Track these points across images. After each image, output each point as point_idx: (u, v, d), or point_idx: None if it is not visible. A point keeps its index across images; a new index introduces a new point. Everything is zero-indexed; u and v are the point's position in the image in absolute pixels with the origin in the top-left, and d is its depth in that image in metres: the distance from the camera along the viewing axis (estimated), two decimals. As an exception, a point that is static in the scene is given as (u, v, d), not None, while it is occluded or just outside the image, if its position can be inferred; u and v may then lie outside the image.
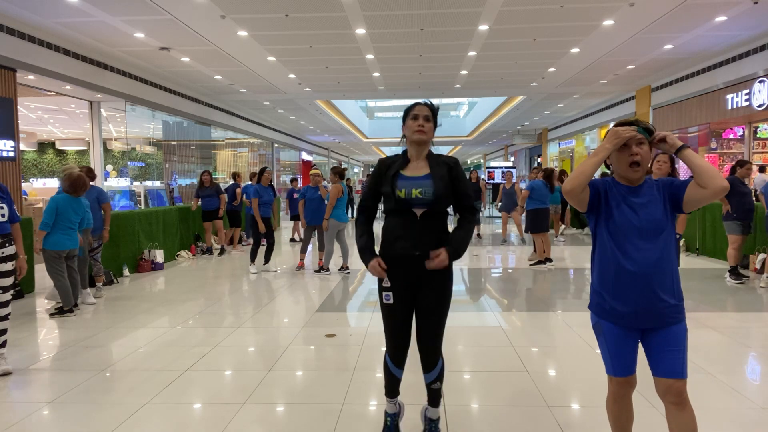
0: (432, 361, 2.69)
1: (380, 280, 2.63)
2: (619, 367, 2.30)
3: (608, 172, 2.48)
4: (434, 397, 2.81)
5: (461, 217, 2.70)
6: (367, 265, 2.62)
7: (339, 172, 8.22)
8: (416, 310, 2.67)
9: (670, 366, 2.18)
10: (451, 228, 2.62)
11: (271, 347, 4.64)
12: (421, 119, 2.58)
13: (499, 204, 12.02)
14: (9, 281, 4.05)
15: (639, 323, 2.23)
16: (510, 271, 8.57)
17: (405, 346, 2.70)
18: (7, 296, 4.07)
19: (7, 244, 4.02)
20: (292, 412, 3.35)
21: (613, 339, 2.29)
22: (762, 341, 4.65)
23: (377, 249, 2.68)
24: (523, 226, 9.65)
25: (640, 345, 2.32)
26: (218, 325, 5.34)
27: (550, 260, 8.56)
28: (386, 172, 2.63)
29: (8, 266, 4.01)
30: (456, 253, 2.54)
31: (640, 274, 2.18)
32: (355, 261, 9.46)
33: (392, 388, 2.81)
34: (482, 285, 7.43)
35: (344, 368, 4.05)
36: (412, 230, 2.53)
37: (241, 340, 4.88)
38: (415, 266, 2.56)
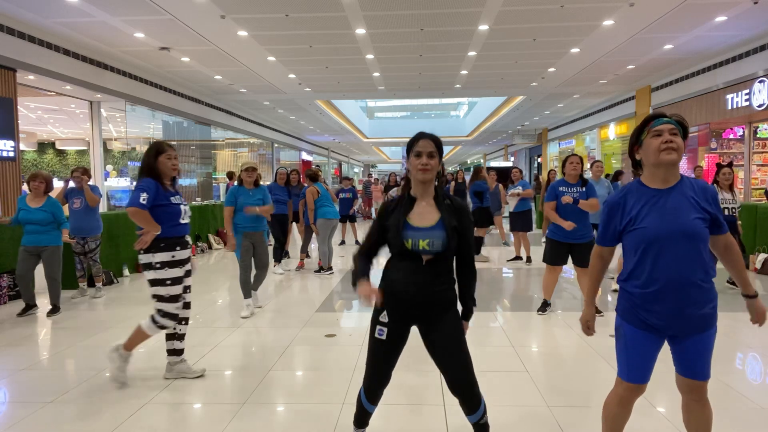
0: (475, 404, 2.49)
1: (376, 313, 2.50)
2: (635, 374, 2.24)
3: (634, 170, 2.42)
4: (484, 430, 2.59)
5: (465, 267, 2.51)
6: (355, 286, 2.41)
7: (310, 176, 8.22)
8: (435, 352, 2.49)
9: (696, 369, 2.21)
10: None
11: (271, 347, 4.64)
12: (425, 157, 2.40)
13: None
14: (190, 281, 3.95)
15: (669, 330, 2.18)
16: (509, 271, 8.57)
17: (383, 385, 2.56)
18: (189, 297, 3.96)
19: (188, 245, 3.87)
20: (292, 412, 3.35)
21: (633, 345, 2.22)
22: (762, 341, 4.65)
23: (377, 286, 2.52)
24: (507, 228, 9.62)
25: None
26: (218, 325, 5.34)
27: (521, 258, 9.22)
28: (389, 217, 2.46)
29: (189, 266, 3.89)
30: (471, 311, 2.54)
31: (670, 283, 2.10)
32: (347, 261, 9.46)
33: (362, 419, 2.68)
34: (482, 285, 7.43)
35: (344, 368, 4.05)
36: (416, 274, 2.40)
37: (241, 340, 4.88)
38: (415, 307, 2.44)
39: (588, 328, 2.44)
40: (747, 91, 11.08)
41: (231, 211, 5.66)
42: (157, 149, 3.71)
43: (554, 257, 5.43)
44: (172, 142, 15.40)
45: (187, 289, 3.89)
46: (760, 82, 10.68)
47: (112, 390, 3.70)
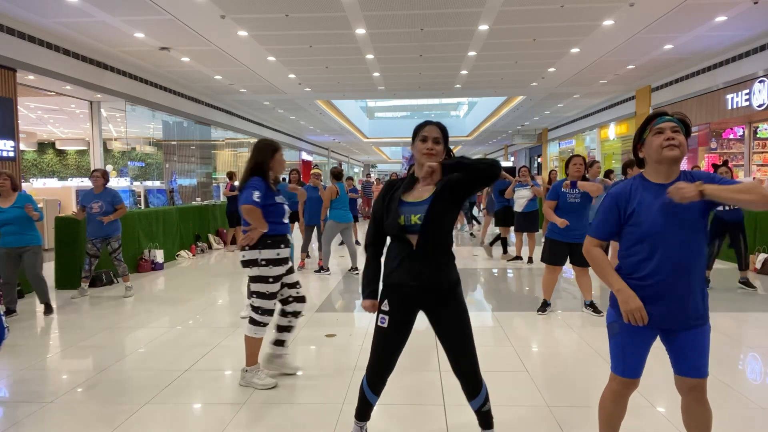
0: (476, 388, 2.53)
1: (379, 302, 2.53)
2: (629, 369, 2.27)
3: (622, 176, 2.46)
4: (486, 419, 2.61)
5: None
6: (363, 297, 2.58)
7: (335, 174, 8.31)
8: (441, 337, 2.53)
9: (695, 366, 2.23)
10: (456, 256, 2.53)
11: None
12: (431, 141, 2.44)
13: (482, 206, 12.02)
14: (297, 276, 3.96)
15: (663, 324, 2.21)
16: (510, 271, 8.57)
17: (386, 373, 2.57)
18: (303, 291, 3.98)
19: (289, 244, 3.87)
20: (293, 412, 3.35)
21: (629, 340, 2.25)
22: (762, 341, 4.66)
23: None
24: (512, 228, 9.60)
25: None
26: (218, 325, 5.33)
27: (521, 258, 9.28)
28: (391, 194, 2.50)
29: (290, 264, 3.88)
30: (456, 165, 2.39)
31: (667, 276, 2.14)
32: (347, 261, 9.46)
33: (364, 412, 2.66)
34: (482, 285, 7.43)
35: (344, 368, 4.05)
36: (409, 259, 2.41)
37: (241, 340, 4.83)
38: (413, 295, 2.46)
39: (640, 314, 2.15)
40: (747, 91, 11.08)
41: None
42: (273, 147, 3.73)
43: (554, 257, 5.47)
44: (173, 142, 15.42)
45: (297, 283, 3.90)
46: (760, 82, 10.68)
47: (112, 390, 3.70)
